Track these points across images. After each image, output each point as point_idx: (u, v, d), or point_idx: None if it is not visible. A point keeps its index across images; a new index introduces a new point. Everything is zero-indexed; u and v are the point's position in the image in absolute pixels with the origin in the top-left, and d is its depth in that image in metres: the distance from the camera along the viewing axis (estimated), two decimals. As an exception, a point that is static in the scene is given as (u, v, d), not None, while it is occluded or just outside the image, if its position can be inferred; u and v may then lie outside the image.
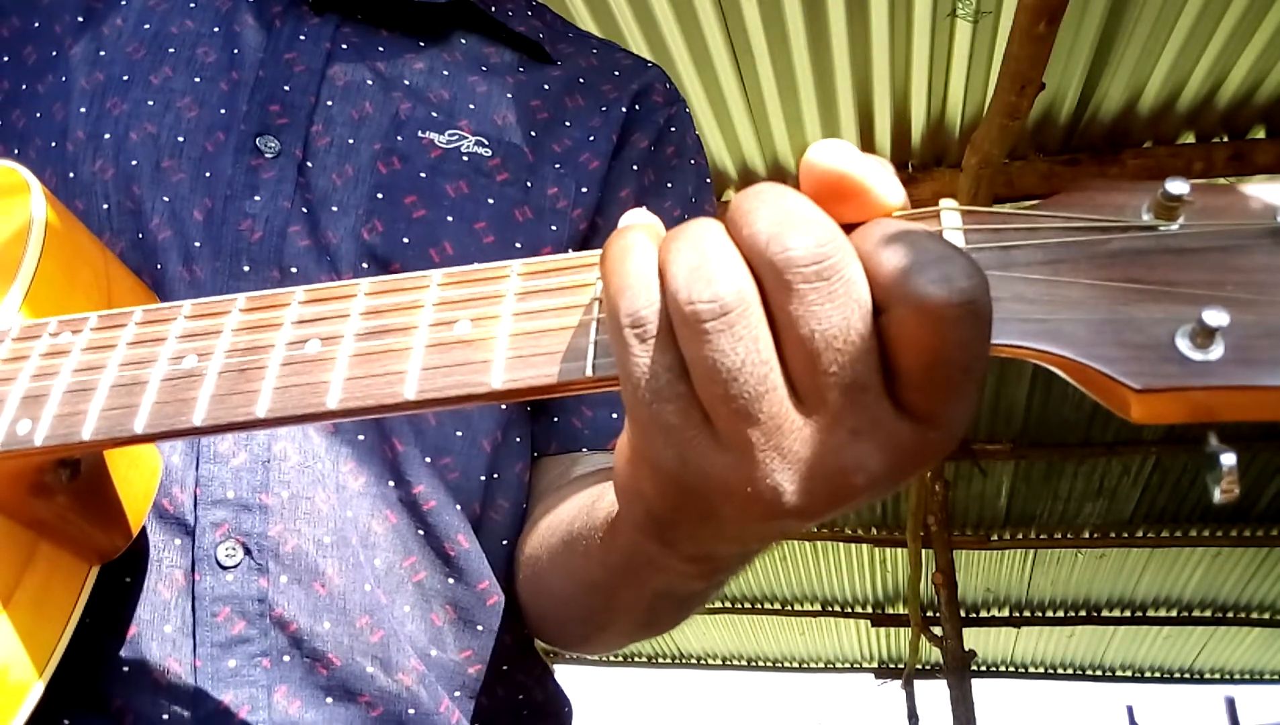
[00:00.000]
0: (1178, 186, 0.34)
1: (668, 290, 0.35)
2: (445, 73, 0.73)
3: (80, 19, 0.69)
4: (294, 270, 0.62)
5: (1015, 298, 0.34)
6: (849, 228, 0.36)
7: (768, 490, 0.35)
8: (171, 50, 0.68)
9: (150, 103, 0.65)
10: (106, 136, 0.64)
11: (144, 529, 0.54)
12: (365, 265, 0.64)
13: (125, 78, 0.66)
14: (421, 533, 0.62)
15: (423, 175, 0.67)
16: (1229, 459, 0.32)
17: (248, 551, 0.56)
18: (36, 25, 0.70)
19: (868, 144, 3.60)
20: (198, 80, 0.67)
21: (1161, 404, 0.32)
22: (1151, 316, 0.33)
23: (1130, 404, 0.33)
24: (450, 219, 0.67)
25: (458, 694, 0.62)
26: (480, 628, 0.63)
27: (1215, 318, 0.31)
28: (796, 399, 0.34)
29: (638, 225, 0.38)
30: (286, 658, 0.56)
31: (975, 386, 0.33)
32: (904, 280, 0.32)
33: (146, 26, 0.69)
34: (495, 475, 0.67)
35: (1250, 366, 0.31)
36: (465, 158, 0.69)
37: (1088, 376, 0.33)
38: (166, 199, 0.62)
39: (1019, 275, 0.35)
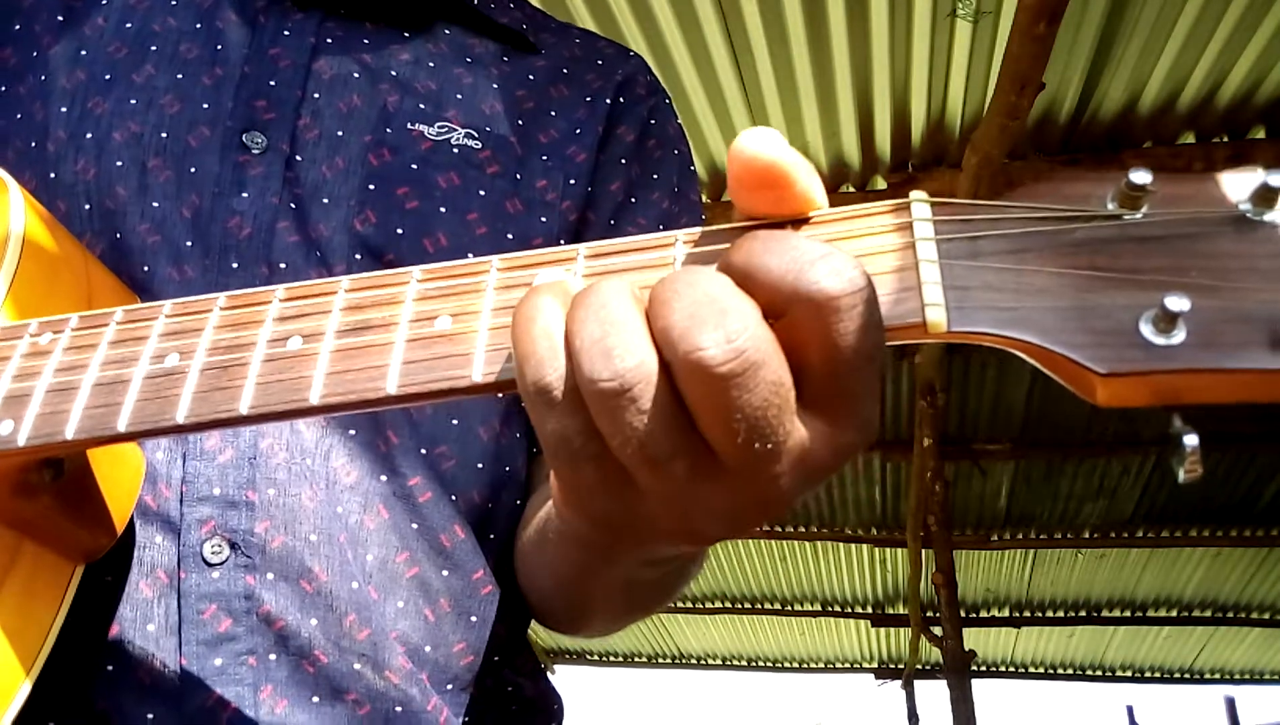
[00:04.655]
0: (1141, 176, 0.35)
1: (571, 361, 0.35)
2: (431, 64, 0.74)
3: (60, 18, 0.69)
4: (282, 266, 0.62)
5: (984, 287, 0.35)
6: (757, 225, 0.38)
7: (695, 530, 0.37)
8: (154, 48, 0.68)
9: (133, 101, 0.65)
10: (89, 136, 0.63)
11: (127, 527, 0.54)
12: (358, 256, 0.64)
13: (107, 77, 0.66)
14: (415, 526, 0.62)
15: (414, 167, 0.68)
16: (1192, 440, 0.33)
17: (234, 548, 0.56)
18: (17, 27, 0.70)
19: (868, 144, 3.60)
20: (180, 77, 0.67)
21: (1126, 388, 0.33)
22: (1116, 303, 0.34)
23: (1096, 388, 0.34)
24: (443, 210, 0.67)
25: (449, 687, 0.61)
26: (474, 618, 0.63)
27: (1177, 303, 0.32)
28: (712, 456, 0.35)
29: (544, 287, 0.38)
30: (273, 656, 0.55)
31: (877, 378, 0.35)
32: (797, 280, 0.34)
33: (128, 25, 0.69)
34: (493, 465, 0.67)
35: (1212, 350, 0.32)
36: (456, 150, 0.69)
37: (1054, 362, 0.34)
38: (154, 202, 0.62)
39: (987, 265, 0.36)
